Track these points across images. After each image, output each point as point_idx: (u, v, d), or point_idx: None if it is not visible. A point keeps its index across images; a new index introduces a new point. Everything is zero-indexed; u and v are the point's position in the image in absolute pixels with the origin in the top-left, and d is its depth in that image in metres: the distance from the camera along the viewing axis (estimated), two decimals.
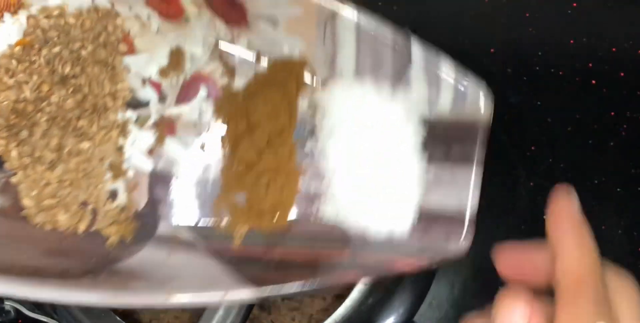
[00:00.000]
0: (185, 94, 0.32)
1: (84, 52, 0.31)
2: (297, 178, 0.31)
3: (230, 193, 0.32)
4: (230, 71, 0.32)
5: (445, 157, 0.29)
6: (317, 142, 0.31)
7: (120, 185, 0.31)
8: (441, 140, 0.29)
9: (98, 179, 0.31)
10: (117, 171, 0.31)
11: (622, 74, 0.47)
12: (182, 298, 0.27)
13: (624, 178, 0.46)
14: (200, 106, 0.32)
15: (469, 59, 0.50)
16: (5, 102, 0.30)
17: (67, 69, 0.30)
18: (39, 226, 0.30)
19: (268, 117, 0.31)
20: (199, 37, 0.32)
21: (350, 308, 0.36)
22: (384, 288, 0.37)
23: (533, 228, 0.46)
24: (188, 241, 0.31)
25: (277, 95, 0.31)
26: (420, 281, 0.41)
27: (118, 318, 0.39)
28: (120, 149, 0.31)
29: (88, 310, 0.40)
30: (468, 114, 0.28)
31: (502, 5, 0.49)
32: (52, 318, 0.40)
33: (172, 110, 0.32)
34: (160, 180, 0.32)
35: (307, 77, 0.31)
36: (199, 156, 0.32)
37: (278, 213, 0.31)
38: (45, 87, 0.30)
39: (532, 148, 0.47)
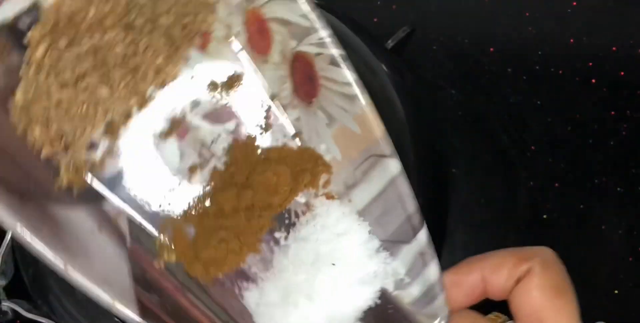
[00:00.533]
0: (217, 116, 0.32)
1: (162, 19, 0.30)
2: (248, 253, 0.31)
3: (186, 222, 0.31)
4: (266, 126, 0.32)
5: None
6: (287, 237, 0.31)
7: (104, 144, 0.31)
8: (382, 321, 0.29)
9: (91, 125, 0.30)
10: (112, 130, 0.31)
11: (622, 73, 0.47)
12: (76, 277, 0.26)
13: (624, 177, 0.46)
14: (220, 134, 0.32)
15: (468, 59, 0.50)
16: (68, 7, 0.29)
17: (139, 22, 0.30)
18: (12, 125, 0.29)
19: (266, 188, 0.31)
20: (263, 81, 0.32)
21: None
22: None
23: (533, 228, 0.46)
24: (121, 230, 0.31)
25: (288, 177, 0.31)
26: None
27: (116, 318, 0.39)
28: (128, 116, 0.31)
29: (86, 311, 0.40)
30: (419, 318, 0.29)
31: (502, 5, 0.49)
32: (50, 319, 0.40)
33: (196, 119, 0.32)
34: (138, 165, 0.31)
35: (321, 181, 0.31)
36: (185, 172, 0.32)
37: (210, 269, 0.31)
38: (108, 22, 0.29)
39: (532, 147, 0.47)
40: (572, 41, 0.48)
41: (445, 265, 0.29)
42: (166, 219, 0.31)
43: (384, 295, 0.29)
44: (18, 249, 0.41)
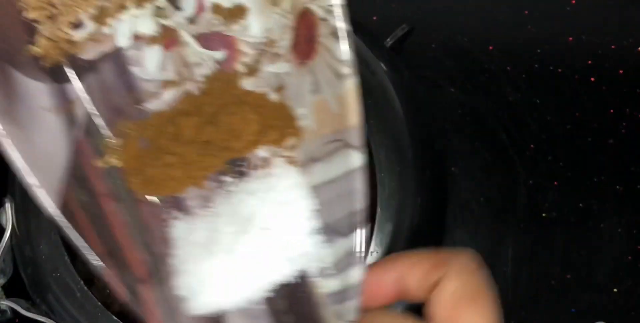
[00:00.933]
0: (209, 40, 0.31)
1: None
2: (190, 186, 0.30)
3: (142, 132, 0.30)
4: (254, 69, 0.31)
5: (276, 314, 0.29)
6: (235, 184, 0.30)
7: (90, 26, 0.30)
8: (290, 300, 0.29)
9: (83, 4, 0.30)
10: (102, 17, 0.30)
11: (621, 71, 0.47)
12: (8, 149, 0.26)
13: (624, 176, 0.46)
14: (205, 59, 0.31)
15: (467, 57, 0.50)
16: None
17: None
18: None
19: (229, 131, 0.29)
20: (267, 21, 0.30)
21: None
22: None
23: (533, 227, 0.46)
24: (75, 117, 0.30)
25: (255, 128, 0.30)
26: None
27: (115, 318, 0.39)
28: (122, 8, 0.30)
29: (85, 310, 0.40)
30: (324, 312, 0.28)
31: (501, 3, 0.49)
32: (49, 317, 0.40)
33: (187, 35, 0.31)
34: (116, 60, 0.31)
35: (288, 143, 0.30)
36: (159, 84, 0.31)
37: (149, 186, 0.30)
38: None
39: (532, 146, 0.47)
40: (571, 39, 0.48)
41: None
42: (124, 122, 0.30)
43: (303, 277, 0.29)
44: (17, 248, 0.41)
